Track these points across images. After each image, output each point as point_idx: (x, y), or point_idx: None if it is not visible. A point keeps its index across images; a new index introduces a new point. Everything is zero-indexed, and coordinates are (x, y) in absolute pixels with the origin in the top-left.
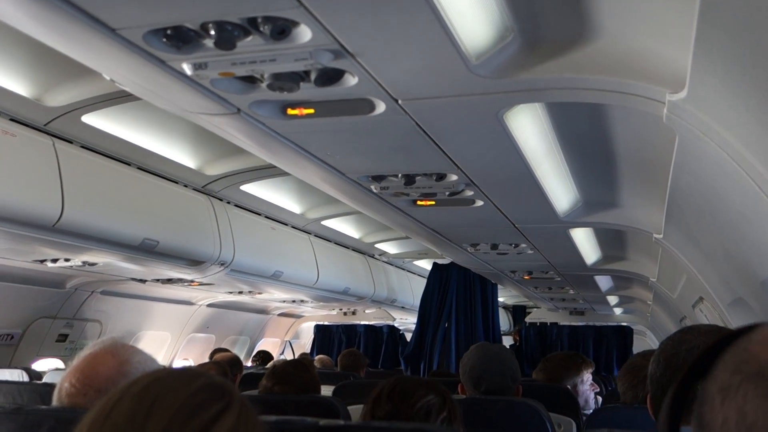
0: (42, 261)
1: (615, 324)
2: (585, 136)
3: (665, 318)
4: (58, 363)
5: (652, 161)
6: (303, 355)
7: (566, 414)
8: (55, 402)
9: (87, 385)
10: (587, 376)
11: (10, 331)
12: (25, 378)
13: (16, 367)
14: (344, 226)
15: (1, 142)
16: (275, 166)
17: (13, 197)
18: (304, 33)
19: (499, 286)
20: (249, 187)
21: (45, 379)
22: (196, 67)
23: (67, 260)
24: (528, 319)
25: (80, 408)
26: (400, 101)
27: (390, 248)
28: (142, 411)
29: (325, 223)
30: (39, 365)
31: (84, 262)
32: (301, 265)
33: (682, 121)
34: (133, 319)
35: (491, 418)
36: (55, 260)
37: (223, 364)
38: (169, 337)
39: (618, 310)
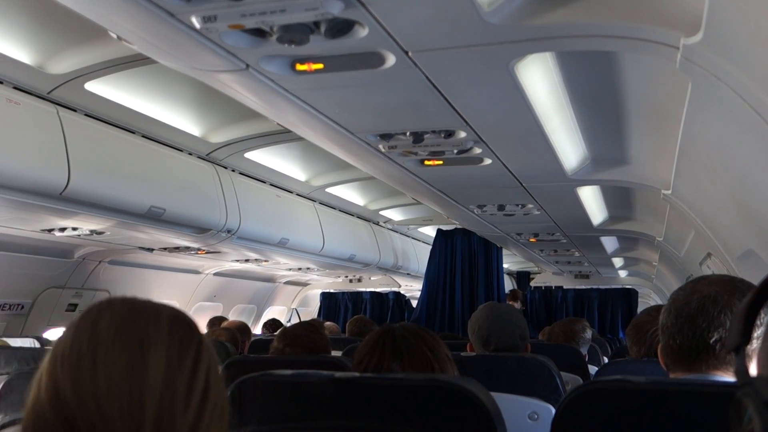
0: (50, 230)
1: (620, 287)
2: (595, 89)
3: (671, 278)
4: None
5: (662, 114)
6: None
7: (575, 372)
8: None
9: None
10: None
11: (20, 301)
12: (37, 345)
13: (27, 336)
14: (349, 193)
15: (5, 111)
16: (279, 133)
17: (20, 166)
18: None
19: (503, 252)
20: (253, 155)
21: None
22: (206, 20)
23: (74, 229)
24: (533, 284)
25: None
26: (410, 53)
27: (395, 215)
28: None
29: (329, 190)
30: (50, 334)
31: (92, 231)
32: (306, 233)
33: (696, 66)
34: (140, 289)
35: (500, 376)
36: (62, 229)
37: (233, 330)
38: (177, 306)
39: (623, 273)
